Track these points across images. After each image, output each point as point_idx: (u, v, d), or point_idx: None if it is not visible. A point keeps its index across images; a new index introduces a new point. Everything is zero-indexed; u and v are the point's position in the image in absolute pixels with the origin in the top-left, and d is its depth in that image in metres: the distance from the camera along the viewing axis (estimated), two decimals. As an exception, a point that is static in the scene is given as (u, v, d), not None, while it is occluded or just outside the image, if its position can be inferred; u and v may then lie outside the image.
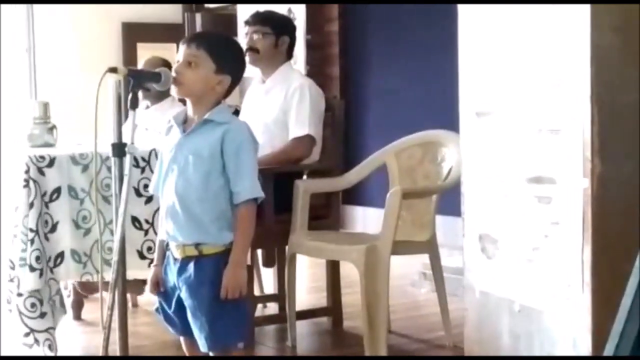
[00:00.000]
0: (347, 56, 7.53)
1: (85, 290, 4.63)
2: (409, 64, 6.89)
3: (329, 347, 4.44)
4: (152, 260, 3.74)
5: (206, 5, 8.37)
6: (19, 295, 3.59)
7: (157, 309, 3.03)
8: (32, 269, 3.56)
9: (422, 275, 5.30)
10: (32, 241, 3.57)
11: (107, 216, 3.56)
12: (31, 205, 3.58)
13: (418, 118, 5.84)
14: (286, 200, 4.16)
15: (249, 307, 3.67)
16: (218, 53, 2.88)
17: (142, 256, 3.82)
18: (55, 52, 7.88)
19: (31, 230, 3.57)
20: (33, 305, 3.60)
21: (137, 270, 3.61)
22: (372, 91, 7.33)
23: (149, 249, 3.80)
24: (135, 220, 3.80)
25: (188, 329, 2.90)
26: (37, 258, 3.57)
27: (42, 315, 3.63)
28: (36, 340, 3.62)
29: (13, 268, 3.62)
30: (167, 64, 4.85)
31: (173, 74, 2.89)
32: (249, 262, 3.18)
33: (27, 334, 3.61)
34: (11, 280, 3.62)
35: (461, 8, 3.46)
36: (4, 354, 3.77)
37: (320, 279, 4.81)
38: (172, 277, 2.91)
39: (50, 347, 3.64)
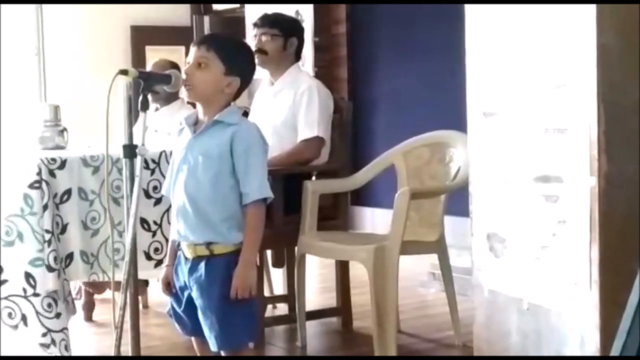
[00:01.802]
0: (354, 58, 7.54)
1: (93, 289, 4.65)
2: (417, 65, 6.91)
3: (339, 347, 4.46)
4: (158, 262, 3.79)
5: (214, 8, 8.40)
6: (36, 295, 3.62)
7: (169, 312, 3.05)
8: (51, 269, 3.58)
9: (431, 275, 5.31)
10: (49, 242, 3.59)
11: (116, 217, 3.58)
12: (45, 206, 3.60)
13: (426, 119, 5.85)
14: (295, 201, 4.18)
15: (258, 307, 3.69)
16: (227, 55, 2.90)
17: (148, 257, 3.84)
18: (64, 54, 7.93)
19: (47, 231, 3.59)
20: (50, 305, 3.62)
21: (143, 271, 3.64)
22: (380, 92, 7.34)
23: (156, 249, 3.83)
24: (143, 221, 3.81)
25: (198, 328, 2.92)
26: (55, 258, 3.59)
27: (58, 315, 3.64)
28: (53, 341, 3.63)
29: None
30: (175, 67, 4.87)
31: (183, 75, 2.91)
32: (258, 262, 3.19)
33: (44, 334, 3.63)
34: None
35: (468, 9, 3.48)
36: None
37: (330, 279, 4.82)
38: (182, 277, 2.93)
39: (66, 347, 3.65)
